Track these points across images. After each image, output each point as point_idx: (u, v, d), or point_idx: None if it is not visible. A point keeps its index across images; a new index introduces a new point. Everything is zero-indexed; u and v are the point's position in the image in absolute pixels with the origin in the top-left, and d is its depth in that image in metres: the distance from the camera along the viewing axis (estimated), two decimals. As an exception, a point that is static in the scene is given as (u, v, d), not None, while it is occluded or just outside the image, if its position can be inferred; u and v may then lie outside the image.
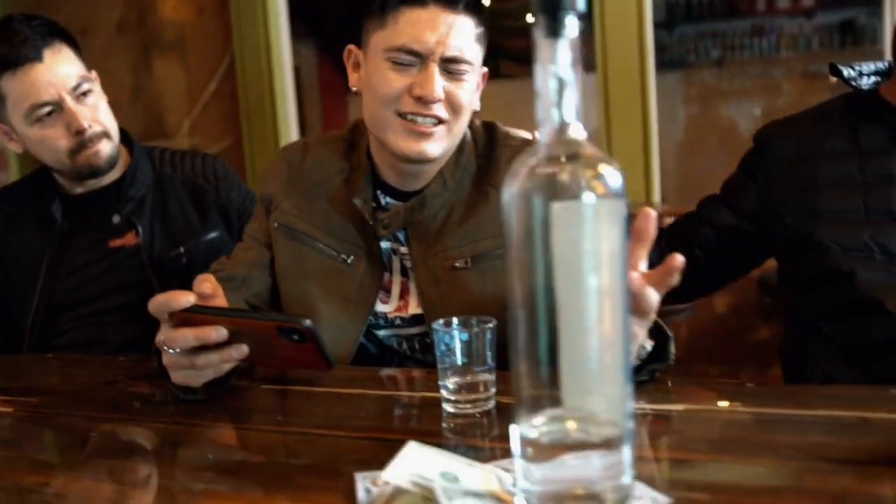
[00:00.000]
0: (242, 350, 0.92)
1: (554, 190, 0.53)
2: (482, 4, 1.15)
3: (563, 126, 0.56)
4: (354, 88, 1.20)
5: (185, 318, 0.91)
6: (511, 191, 0.56)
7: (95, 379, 1.17)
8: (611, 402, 0.55)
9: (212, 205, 1.54)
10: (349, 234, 1.20)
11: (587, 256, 0.52)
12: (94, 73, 1.50)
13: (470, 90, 1.14)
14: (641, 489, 0.62)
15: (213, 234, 1.53)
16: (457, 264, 1.13)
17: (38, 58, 1.38)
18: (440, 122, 1.12)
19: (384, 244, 1.20)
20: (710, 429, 0.79)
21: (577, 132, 0.56)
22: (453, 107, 1.12)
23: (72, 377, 1.22)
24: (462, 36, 1.09)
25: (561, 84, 0.55)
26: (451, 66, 1.10)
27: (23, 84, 1.38)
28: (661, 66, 5.58)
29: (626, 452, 0.55)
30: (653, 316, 0.83)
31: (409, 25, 1.08)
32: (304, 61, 6.17)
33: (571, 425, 0.56)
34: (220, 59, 3.98)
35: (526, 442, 0.56)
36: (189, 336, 0.90)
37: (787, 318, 1.27)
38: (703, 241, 1.29)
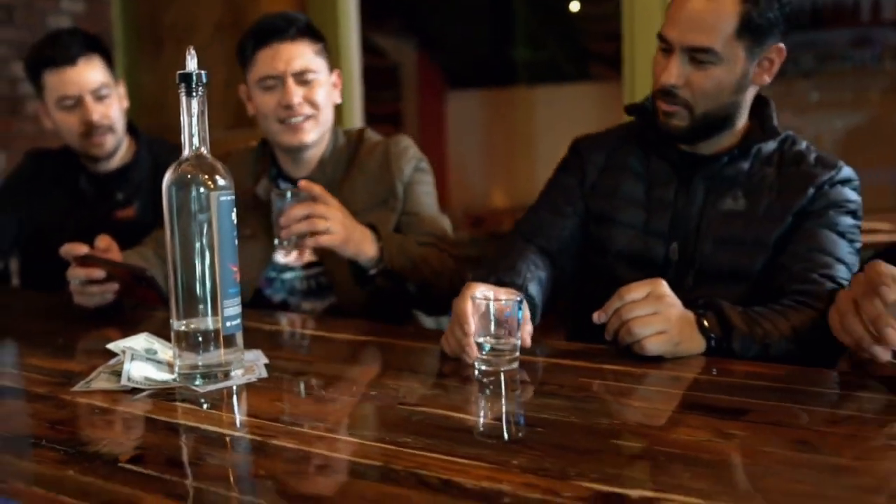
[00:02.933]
0: (113, 287, 1.41)
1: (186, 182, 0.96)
2: (314, 28, 1.64)
3: (198, 147, 0.98)
4: (251, 114, 1.67)
5: (83, 262, 1.40)
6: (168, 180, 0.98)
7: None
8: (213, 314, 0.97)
9: None
10: (250, 217, 1.66)
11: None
12: (120, 83, 2.02)
13: (323, 91, 1.59)
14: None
15: None
16: None
17: (72, 62, 1.90)
18: (307, 118, 1.57)
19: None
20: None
21: (205, 151, 0.98)
22: (312, 104, 1.59)
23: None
24: (302, 57, 1.54)
25: (191, 123, 0.97)
26: (300, 78, 1.55)
27: (58, 79, 1.91)
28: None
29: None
30: None
31: (263, 61, 1.53)
32: (405, 58, 6.69)
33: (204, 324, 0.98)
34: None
35: (177, 335, 0.99)
36: (80, 272, 1.40)
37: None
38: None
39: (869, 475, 0.72)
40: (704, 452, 0.76)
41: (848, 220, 1.34)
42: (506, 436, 0.84)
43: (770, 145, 1.41)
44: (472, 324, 1.05)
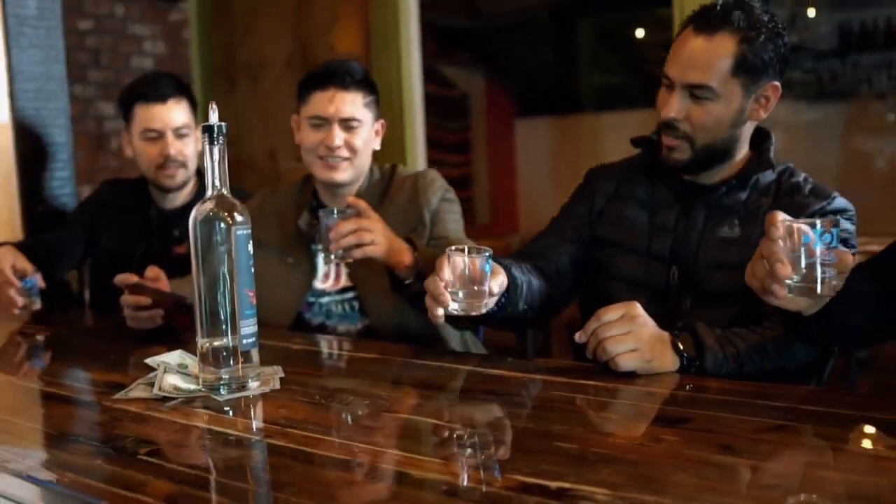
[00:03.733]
0: (158, 312, 1.60)
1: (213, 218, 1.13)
2: (370, 81, 1.79)
3: (219, 188, 1.15)
4: (297, 142, 1.84)
5: (133, 290, 1.60)
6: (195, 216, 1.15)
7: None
8: (232, 333, 1.13)
9: None
10: (294, 247, 1.84)
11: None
12: (198, 128, 2.24)
13: (363, 138, 1.75)
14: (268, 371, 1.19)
15: None
16: None
17: (162, 101, 2.14)
18: (343, 159, 1.74)
19: (322, 246, 1.83)
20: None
21: (226, 191, 1.15)
22: (350, 148, 1.76)
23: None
24: (352, 105, 1.71)
25: (213, 167, 1.14)
26: (346, 124, 1.72)
27: (147, 113, 2.14)
28: (829, 95, 5.67)
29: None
30: None
31: (317, 101, 1.72)
32: (474, 88, 6.87)
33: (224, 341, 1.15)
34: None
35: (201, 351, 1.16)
36: (130, 300, 1.59)
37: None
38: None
39: (770, 474, 0.82)
40: (631, 454, 0.88)
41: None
42: (465, 437, 0.97)
43: (769, 176, 1.50)
44: (446, 272, 1.18)
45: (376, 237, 1.53)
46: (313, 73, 1.82)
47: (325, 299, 1.83)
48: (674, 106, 1.44)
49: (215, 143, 1.15)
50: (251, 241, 1.18)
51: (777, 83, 1.46)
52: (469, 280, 1.18)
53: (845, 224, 1.43)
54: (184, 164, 2.17)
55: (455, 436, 0.98)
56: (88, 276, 2.33)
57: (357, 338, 1.77)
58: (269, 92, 5.00)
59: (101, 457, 0.94)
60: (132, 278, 1.62)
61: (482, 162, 6.85)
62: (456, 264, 1.18)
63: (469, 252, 1.19)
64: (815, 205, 1.44)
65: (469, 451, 0.91)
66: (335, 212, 1.55)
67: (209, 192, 1.16)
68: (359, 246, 1.52)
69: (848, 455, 0.87)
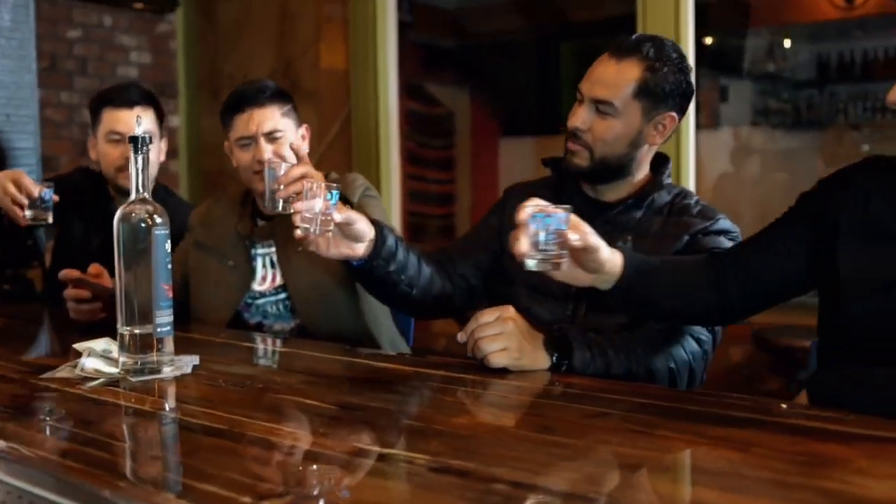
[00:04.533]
0: (97, 305, 1.76)
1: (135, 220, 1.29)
2: (282, 92, 1.99)
3: (141, 192, 1.31)
4: (235, 166, 2.00)
5: (76, 284, 1.76)
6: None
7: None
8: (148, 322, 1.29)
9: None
10: (234, 249, 2.00)
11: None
12: (163, 140, 2.38)
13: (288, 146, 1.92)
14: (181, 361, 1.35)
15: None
16: (299, 249, 1.88)
17: (129, 106, 2.28)
18: None
19: (260, 250, 1.98)
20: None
21: (147, 195, 1.31)
22: (280, 158, 1.89)
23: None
24: (271, 119, 1.87)
25: (137, 173, 1.30)
26: (269, 137, 1.89)
27: (113, 117, 2.28)
28: (805, 124, 5.84)
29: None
30: None
31: (239, 124, 1.88)
32: (459, 106, 7.05)
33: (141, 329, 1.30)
34: (343, 107, 4.91)
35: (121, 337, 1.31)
36: (71, 293, 1.76)
37: None
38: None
39: (572, 449, 0.97)
40: (464, 431, 1.03)
41: None
42: (338, 415, 1.12)
43: (664, 197, 1.67)
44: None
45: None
46: (229, 102, 1.98)
47: (261, 300, 1.99)
48: (580, 117, 1.62)
49: (139, 152, 1.32)
50: (168, 241, 1.34)
51: (675, 115, 1.63)
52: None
53: (725, 243, 1.59)
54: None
55: (318, 411, 1.14)
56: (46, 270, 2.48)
57: (289, 336, 1.92)
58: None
59: (15, 423, 1.09)
60: (74, 273, 1.78)
61: (465, 180, 7.01)
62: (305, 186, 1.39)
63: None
64: (699, 224, 1.60)
65: (325, 423, 1.07)
66: (283, 165, 1.71)
67: (132, 196, 1.33)
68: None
69: (641, 435, 1.02)
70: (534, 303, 1.63)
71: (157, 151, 2.34)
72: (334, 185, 1.39)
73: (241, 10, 5.23)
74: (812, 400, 1.16)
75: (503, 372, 1.33)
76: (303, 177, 1.64)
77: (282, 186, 1.66)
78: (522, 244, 1.22)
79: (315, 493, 0.83)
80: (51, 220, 2.03)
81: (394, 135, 4.87)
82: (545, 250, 1.23)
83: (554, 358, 1.36)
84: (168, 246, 1.34)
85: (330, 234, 1.41)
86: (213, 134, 5.14)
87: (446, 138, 6.98)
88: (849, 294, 1.25)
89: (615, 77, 1.58)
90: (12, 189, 1.97)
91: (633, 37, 1.61)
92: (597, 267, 1.31)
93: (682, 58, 1.61)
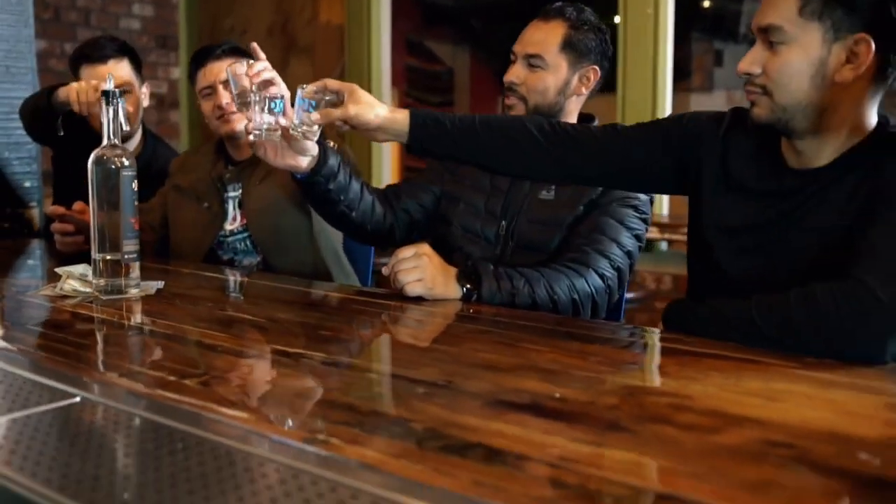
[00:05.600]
0: (80, 238, 2.02)
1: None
2: (236, 49, 2.21)
3: (112, 139, 1.56)
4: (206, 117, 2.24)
5: (62, 219, 2.02)
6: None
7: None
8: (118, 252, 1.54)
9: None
10: (208, 192, 2.25)
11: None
12: (145, 86, 2.61)
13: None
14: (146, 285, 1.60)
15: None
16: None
17: (103, 61, 2.52)
18: (233, 113, 2.14)
19: (231, 193, 2.23)
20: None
21: (117, 141, 1.56)
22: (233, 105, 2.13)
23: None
24: (222, 70, 2.11)
25: (109, 123, 1.55)
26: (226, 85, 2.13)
27: (91, 72, 2.52)
28: None
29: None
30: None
31: (203, 77, 2.13)
32: (459, 63, 7.24)
33: (111, 256, 1.56)
34: (337, 62, 5.12)
35: (94, 263, 1.57)
36: (57, 227, 2.02)
37: None
38: None
39: (444, 353, 1.22)
40: (364, 339, 1.29)
41: (629, 212, 1.81)
42: (266, 326, 1.38)
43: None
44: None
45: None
46: (191, 59, 2.27)
47: (230, 238, 2.25)
48: (514, 72, 1.89)
49: (110, 104, 1.56)
50: (135, 182, 1.59)
51: (597, 68, 1.91)
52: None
53: (643, 197, 1.82)
54: (125, 118, 2.56)
55: (251, 324, 1.39)
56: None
57: (254, 270, 2.18)
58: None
59: (5, 330, 1.35)
60: (60, 210, 2.04)
61: (463, 136, 7.18)
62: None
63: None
64: None
65: (253, 331, 1.32)
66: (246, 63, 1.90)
67: (105, 142, 1.57)
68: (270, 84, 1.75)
69: (506, 346, 1.26)
70: (467, 243, 1.89)
71: (136, 97, 2.56)
72: (280, 95, 1.63)
73: (241, -36, 5.41)
74: (665, 326, 1.40)
75: (419, 300, 1.57)
76: (265, 69, 1.75)
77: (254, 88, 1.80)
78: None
79: (224, 375, 1.08)
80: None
81: (386, 89, 5.08)
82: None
83: (465, 288, 1.61)
84: (135, 185, 1.59)
85: (276, 141, 1.65)
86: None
87: (445, 94, 7.18)
88: (704, 236, 1.48)
89: (544, 35, 1.87)
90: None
91: (556, 4, 1.89)
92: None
93: (599, 21, 1.91)
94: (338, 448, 0.81)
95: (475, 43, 7.06)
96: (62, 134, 2.40)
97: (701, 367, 1.13)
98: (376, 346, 1.27)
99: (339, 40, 5.03)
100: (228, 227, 2.25)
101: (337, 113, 1.51)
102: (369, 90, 5.06)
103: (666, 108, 4.06)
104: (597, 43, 1.89)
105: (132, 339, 1.31)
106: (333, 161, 1.79)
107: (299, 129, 1.57)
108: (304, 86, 1.55)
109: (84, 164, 1.56)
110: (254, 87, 1.62)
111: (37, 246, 2.43)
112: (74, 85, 2.25)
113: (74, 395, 0.95)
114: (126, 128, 2.59)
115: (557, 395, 1.00)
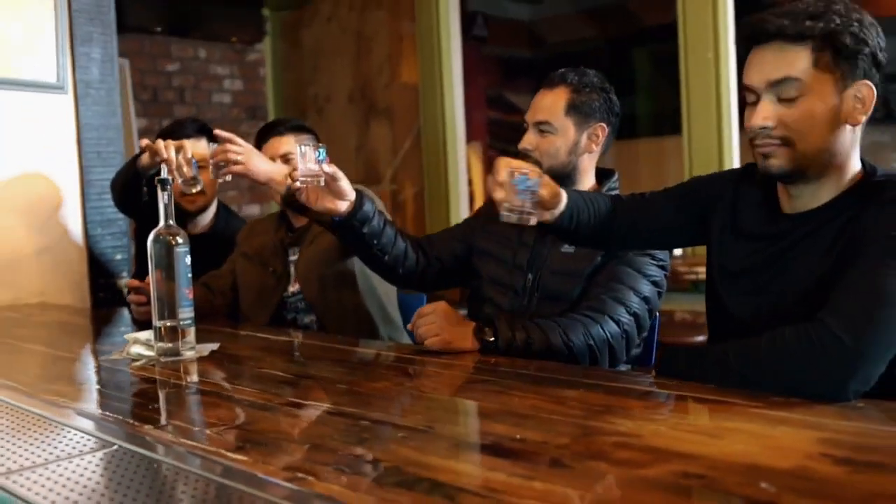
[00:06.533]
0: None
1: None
2: (300, 126, 2.50)
3: (167, 220, 1.81)
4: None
5: (137, 292, 2.28)
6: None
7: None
8: (175, 319, 1.78)
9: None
10: (274, 258, 2.49)
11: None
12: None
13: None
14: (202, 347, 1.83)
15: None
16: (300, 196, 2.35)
17: (185, 137, 2.82)
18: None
19: (292, 257, 2.47)
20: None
21: (172, 222, 1.80)
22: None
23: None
24: (287, 144, 2.43)
25: (164, 206, 1.80)
26: (285, 158, 2.40)
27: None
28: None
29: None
30: None
31: (266, 149, 2.39)
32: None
33: (170, 323, 1.80)
34: (415, 121, 5.39)
35: (156, 329, 1.81)
36: (133, 298, 2.28)
37: None
38: None
39: (436, 401, 1.38)
40: (374, 391, 1.46)
41: (646, 260, 1.94)
42: (291, 381, 1.57)
43: None
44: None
45: (242, 157, 2.13)
46: (257, 134, 2.56)
47: (292, 298, 2.48)
48: (527, 140, 2.06)
49: (164, 190, 1.80)
50: (188, 256, 1.82)
51: (604, 125, 2.07)
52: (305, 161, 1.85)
53: None
54: (202, 192, 2.84)
55: (280, 380, 1.59)
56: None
57: (312, 328, 2.40)
58: (334, 123, 5.73)
59: (74, 387, 1.60)
60: (135, 283, 2.30)
61: (547, 183, 7.34)
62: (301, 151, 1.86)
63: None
64: None
65: (277, 386, 1.52)
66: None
67: (161, 224, 1.81)
68: (232, 163, 2.12)
69: (496, 393, 1.40)
70: (497, 294, 2.06)
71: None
72: (321, 144, 1.90)
73: (322, 36, 5.80)
74: (657, 372, 1.52)
75: (434, 353, 1.74)
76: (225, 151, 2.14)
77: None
78: (499, 193, 1.61)
79: (245, 424, 1.28)
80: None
81: (461, 144, 5.31)
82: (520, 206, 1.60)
83: (483, 342, 1.77)
84: (188, 260, 1.82)
85: (319, 185, 1.89)
86: (300, 151, 5.71)
87: (527, 144, 7.32)
88: (714, 282, 1.61)
89: (550, 102, 2.04)
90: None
91: (559, 71, 2.07)
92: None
93: (603, 80, 2.08)
94: (310, 483, 0.98)
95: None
96: (147, 199, 2.67)
97: (663, 409, 1.26)
98: (381, 395, 1.44)
99: (416, 100, 5.29)
100: (291, 288, 2.48)
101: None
102: (444, 146, 5.29)
103: (733, 148, 4.14)
104: (601, 102, 2.05)
105: (182, 396, 1.53)
106: (369, 207, 2.00)
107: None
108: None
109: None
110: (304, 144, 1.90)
111: (125, 314, 2.72)
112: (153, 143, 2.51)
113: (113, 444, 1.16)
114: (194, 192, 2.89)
115: (518, 436, 1.15)
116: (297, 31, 5.98)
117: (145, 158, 2.52)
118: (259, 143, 2.49)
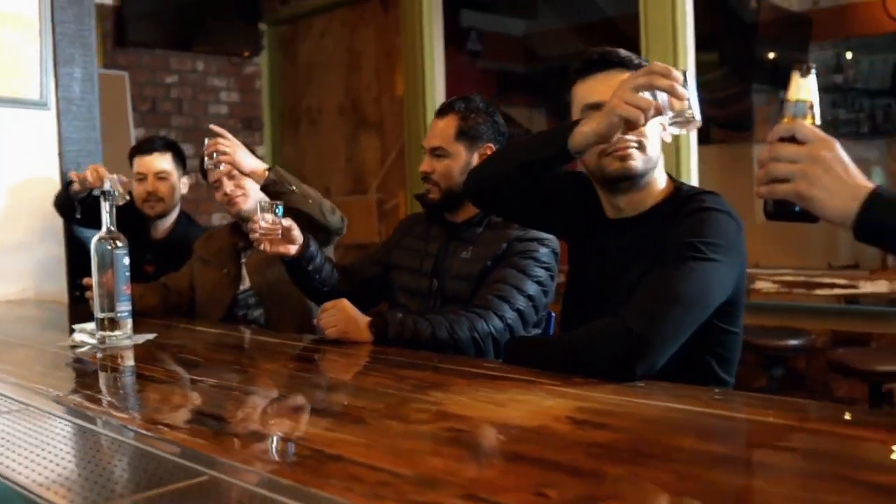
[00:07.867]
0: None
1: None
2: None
3: (108, 226, 2.14)
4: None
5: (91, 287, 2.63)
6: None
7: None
8: (113, 311, 2.11)
9: None
10: (228, 261, 2.83)
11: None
12: (186, 177, 3.29)
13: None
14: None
15: None
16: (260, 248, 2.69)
17: (149, 153, 3.20)
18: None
19: (244, 259, 2.81)
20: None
21: (113, 228, 2.14)
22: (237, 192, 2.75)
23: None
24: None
25: (106, 214, 2.14)
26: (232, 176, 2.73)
27: (138, 162, 3.22)
28: (878, 133, 6.19)
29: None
30: None
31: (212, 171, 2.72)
32: (536, 124, 7.70)
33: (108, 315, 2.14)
34: (402, 134, 5.69)
35: (97, 320, 2.14)
36: (90, 294, 2.63)
37: None
38: None
39: (334, 381, 1.70)
40: (272, 369, 1.78)
41: (529, 262, 2.24)
42: (202, 364, 1.89)
43: (495, 217, 2.34)
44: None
45: (230, 149, 2.55)
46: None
47: (242, 295, 2.82)
48: (426, 164, 2.37)
49: (107, 200, 2.14)
50: (126, 258, 2.15)
51: (492, 145, 2.37)
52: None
53: (543, 250, 2.25)
54: (161, 200, 3.20)
55: (196, 364, 1.91)
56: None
57: (260, 321, 2.74)
58: (324, 135, 6.07)
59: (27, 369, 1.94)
60: (90, 280, 2.64)
61: (544, 195, 7.61)
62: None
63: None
64: (514, 233, 2.26)
65: (195, 368, 1.84)
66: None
67: (103, 230, 2.15)
68: (221, 153, 2.53)
69: (388, 376, 1.70)
70: (408, 300, 2.36)
71: (171, 183, 3.21)
72: (279, 202, 2.27)
73: (316, 50, 6.14)
74: (503, 359, 1.82)
75: (338, 343, 2.05)
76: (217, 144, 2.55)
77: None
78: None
79: (144, 394, 1.60)
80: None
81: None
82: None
83: (375, 334, 2.08)
84: (126, 261, 2.16)
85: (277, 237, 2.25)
86: (294, 160, 6.07)
87: (524, 155, 7.61)
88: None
89: (441, 129, 2.35)
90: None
91: (449, 100, 2.39)
92: None
93: (488, 105, 2.39)
94: (162, 432, 1.31)
95: (549, 103, 7.51)
96: (80, 217, 3.08)
97: (480, 386, 1.56)
98: (275, 374, 1.76)
99: (401, 119, 5.60)
100: (242, 286, 2.82)
101: None
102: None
103: (692, 159, 4.39)
104: (488, 125, 2.35)
105: (117, 377, 1.86)
106: (313, 248, 2.37)
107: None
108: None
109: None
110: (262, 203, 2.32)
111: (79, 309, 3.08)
112: (81, 174, 2.93)
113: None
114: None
115: (346, 403, 1.46)
116: (293, 46, 6.33)
117: (76, 186, 2.93)
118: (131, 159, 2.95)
